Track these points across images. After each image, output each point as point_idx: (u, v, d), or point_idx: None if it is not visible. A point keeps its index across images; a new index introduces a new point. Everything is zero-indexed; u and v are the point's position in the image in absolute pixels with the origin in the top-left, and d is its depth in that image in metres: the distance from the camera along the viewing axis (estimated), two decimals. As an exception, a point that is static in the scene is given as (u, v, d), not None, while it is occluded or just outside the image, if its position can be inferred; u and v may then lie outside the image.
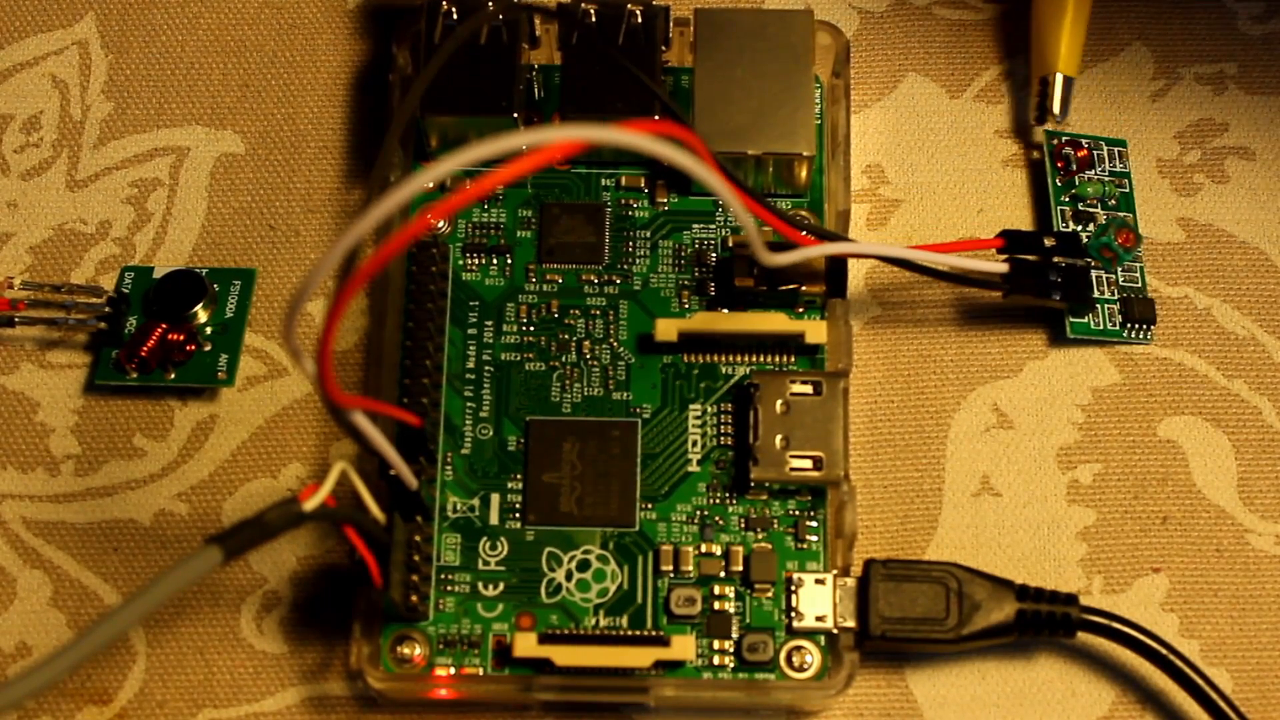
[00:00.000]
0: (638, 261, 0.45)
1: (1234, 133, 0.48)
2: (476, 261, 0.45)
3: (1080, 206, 0.46)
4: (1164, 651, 0.41)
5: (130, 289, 0.45)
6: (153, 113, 0.48)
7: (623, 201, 0.46)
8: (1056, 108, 0.47)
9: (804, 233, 0.42)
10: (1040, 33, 0.47)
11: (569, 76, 0.45)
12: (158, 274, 0.45)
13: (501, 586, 0.42)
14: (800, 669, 0.41)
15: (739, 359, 0.44)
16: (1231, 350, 0.45)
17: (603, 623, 0.41)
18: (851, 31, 0.49)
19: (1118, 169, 0.47)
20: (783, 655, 0.41)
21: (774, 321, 0.44)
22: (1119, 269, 0.45)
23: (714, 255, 0.45)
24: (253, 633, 0.43)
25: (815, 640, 0.41)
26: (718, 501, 0.43)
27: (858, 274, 0.46)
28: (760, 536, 0.42)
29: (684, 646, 0.41)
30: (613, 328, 0.44)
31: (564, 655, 0.40)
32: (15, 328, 0.46)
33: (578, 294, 0.45)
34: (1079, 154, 0.47)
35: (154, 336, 0.44)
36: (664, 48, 0.46)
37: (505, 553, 0.42)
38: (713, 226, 0.46)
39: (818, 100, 0.47)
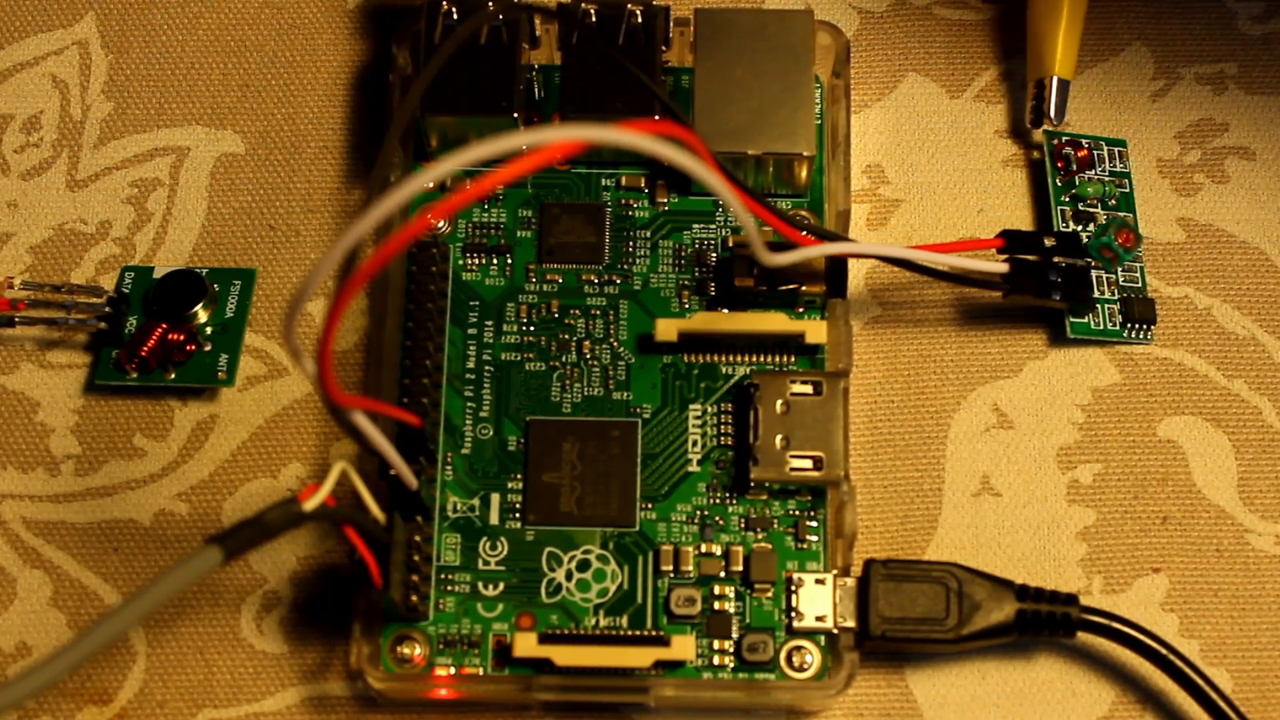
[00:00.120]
0: (638, 261, 0.45)
1: (1234, 133, 0.48)
2: (476, 261, 0.45)
3: (1080, 206, 0.46)
4: (1164, 651, 0.41)
5: (130, 289, 0.45)
6: (153, 113, 0.48)
7: (623, 201, 0.46)
8: (1052, 111, 0.47)
9: (804, 233, 0.42)
10: (1036, 36, 0.47)
11: (569, 76, 0.45)
12: (158, 274, 0.45)
13: (501, 586, 0.42)
14: (800, 669, 0.41)
15: (739, 359, 0.44)
16: (1231, 350, 0.45)
17: (603, 623, 0.41)
18: (851, 31, 0.49)
19: (1118, 169, 0.47)
20: (783, 655, 0.41)
21: (774, 321, 0.44)
22: (1119, 269, 0.45)
23: (714, 255, 0.45)
24: (253, 633, 0.43)
25: (815, 640, 0.41)
26: (718, 501, 0.43)
27: (858, 274, 0.46)
28: (760, 536, 0.42)
29: (684, 646, 0.41)
30: (613, 328, 0.44)
31: (564, 655, 0.40)
32: (15, 328, 0.46)
33: (578, 294, 0.45)
34: (1079, 154, 0.47)
35: (154, 336, 0.44)
36: (664, 48, 0.46)
37: (505, 553, 0.42)
38: (713, 226, 0.46)
39: (818, 100, 0.47)
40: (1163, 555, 0.43)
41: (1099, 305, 0.45)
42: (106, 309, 0.45)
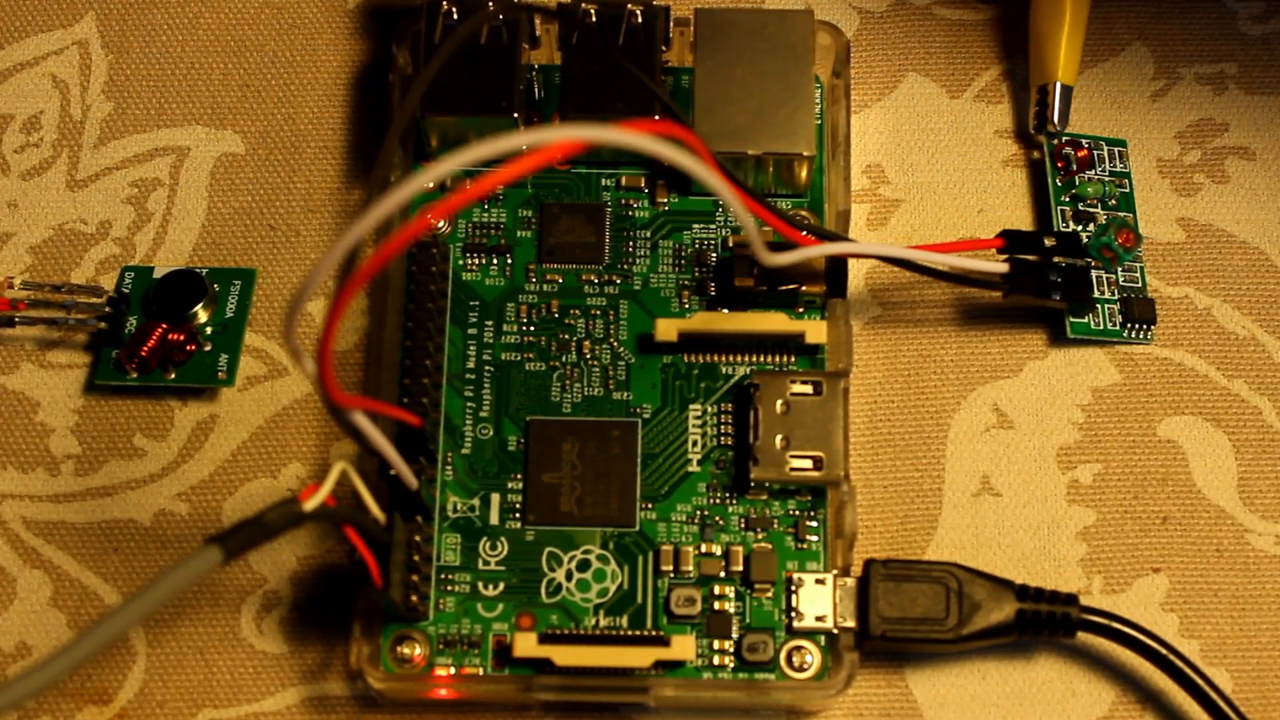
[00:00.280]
0: (638, 261, 0.45)
1: (1234, 133, 0.48)
2: (476, 261, 0.45)
3: (1080, 206, 0.46)
4: (1164, 651, 0.41)
5: (130, 289, 0.45)
6: (153, 113, 0.48)
7: (623, 201, 0.46)
8: (1056, 116, 0.47)
9: (804, 233, 0.42)
10: (1038, 41, 0.47)
11: (569, 76, 0.45)
12: (158, 274, 0.45)
13: (501, 586, 0.42)
14: (800, 669, 0.41)
15: (739, 359, 0.44)
16: (1231, 350, 0.45)
17: (603, 623, 0.41)
18: (851, 31, 0.49)
19: (1118, 169, 0.47)
20: (783, 655, 0.41)
21: (774, 321, 0.44)
22: (1119, 269, 0.45)
23: (714, 255, 0.45)
24: (253, 633, 0.43)
25: (815, 640, 0.41)
26: (718, 501, 0.43)
27: (858, 274, 0.46)
28: (760, 536, 0.42)
29: (684, 646, 0.41)
30: (613, 328, 0.44)
31: (564, 655, 0.40)
32: (15, 328, 0.46)
33: (578, 294, 0.45)
34: (1079, 154, 0.47)
35: (154, 336, 0.44)
36: (664, 48, 0.46)
37: (505, 553, 0.42)
38: (713, 226, 0.46)
39: (818, 100, 0.47)
40: (1163, 555, 0.43)
41: (1099, 305, 0.45)
42: (106, 309, 0.45)
